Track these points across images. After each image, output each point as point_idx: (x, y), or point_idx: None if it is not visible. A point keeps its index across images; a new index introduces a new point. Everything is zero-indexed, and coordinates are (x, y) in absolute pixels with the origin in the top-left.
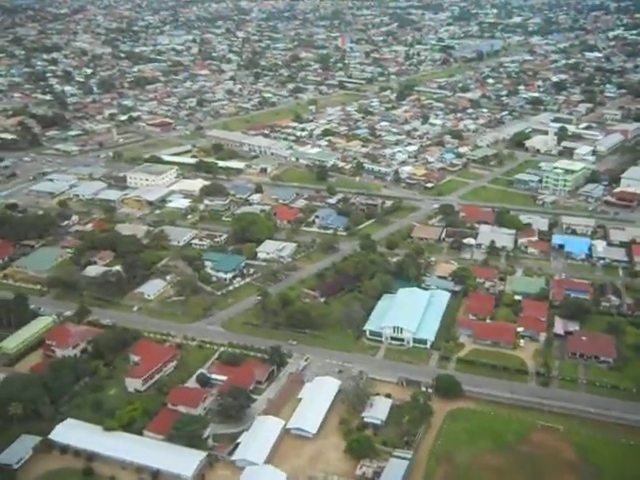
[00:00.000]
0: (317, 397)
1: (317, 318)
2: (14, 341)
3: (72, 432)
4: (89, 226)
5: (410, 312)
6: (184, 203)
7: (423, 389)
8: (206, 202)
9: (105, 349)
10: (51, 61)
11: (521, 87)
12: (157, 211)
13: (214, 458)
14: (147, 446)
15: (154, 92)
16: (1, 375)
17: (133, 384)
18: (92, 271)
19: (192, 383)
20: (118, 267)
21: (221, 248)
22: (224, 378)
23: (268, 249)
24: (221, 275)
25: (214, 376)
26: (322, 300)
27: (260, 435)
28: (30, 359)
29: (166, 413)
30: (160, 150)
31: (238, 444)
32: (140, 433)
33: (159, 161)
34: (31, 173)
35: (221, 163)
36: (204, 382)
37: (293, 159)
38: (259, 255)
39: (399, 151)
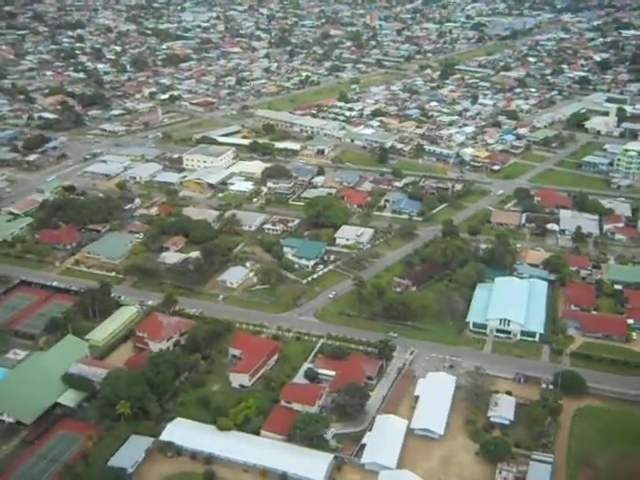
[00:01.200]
0: (435, 395)
1: (417, 309)
2: (101, 333)
3: (184, 432)
4: (154, 210)
5: (514, 303)
6: (247, 186)
7: (543, 386)
8: (269, 185)
9: (201, 342)
10: (77, 38)
11: (564, 66)
12: (220, 194)
13: (340, 460)
14: (269, 447)
15: (188, 70)
16: (101, 371)
17: (238, 379)
18: (169, 258)
19: (300, 378)
20: (196, 253)
21: (296, 233)
22: (332, 373)
23: (346, 235)
24: (303, 262)
25: (322, 371)
26: (413, 289)
27: (385, 436)
28: (120, 352)
29: (281, 411)
30: (207, 130)
31: (363, 446)
32: (256, 433)
33: (211, 142)
34: (81, 154)
35: (277, 144)
36: (312, 377)
37: (347, 140)
38: (337, 241)
39: (456, 132)
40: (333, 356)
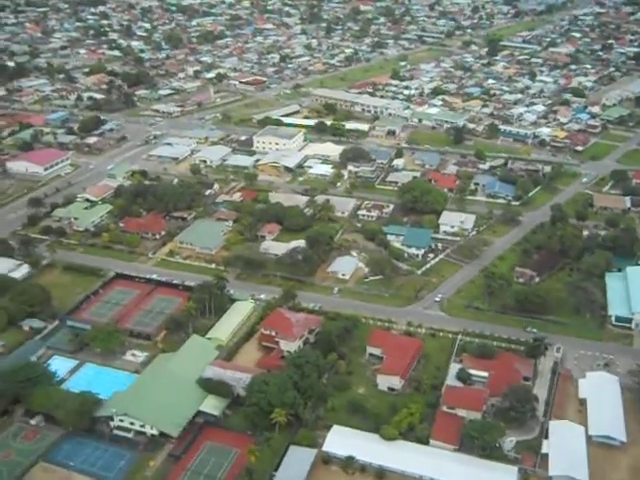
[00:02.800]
0: (603, 397)
1: (553, 301)
2: (223, 331)
3: (347, 442)
4: (236, 195)
5: None
6: (326, 169)
7: None
8: (350, 168)
9: (335, 340)
10: (102, 15)
11: (611, 41)
12: (300, 178)
13: (524, 473)
14: (442, 458)
15: (225, 47)
16: (239, 374)
17: (387, 381)
18: (273, 248)
19: (452, 380)
20: (297, 242)
21: (396, 220)
22: (485, 374)
23: (450, 221)
24: (412, 251)
25: (473, 372)
26: (537, 280)
27: (567, 445)
28: (246, 352)
29: (445, 418)
30: (264, 110)
31: (543, 456)
32: (421, 442)
33: (274, 123)
34: (139, 136)
35: (346, 125)
36: (465, 379)
37: (414, 120)
38: (441, 228)
39: (527, 111)
40: (480, 355)
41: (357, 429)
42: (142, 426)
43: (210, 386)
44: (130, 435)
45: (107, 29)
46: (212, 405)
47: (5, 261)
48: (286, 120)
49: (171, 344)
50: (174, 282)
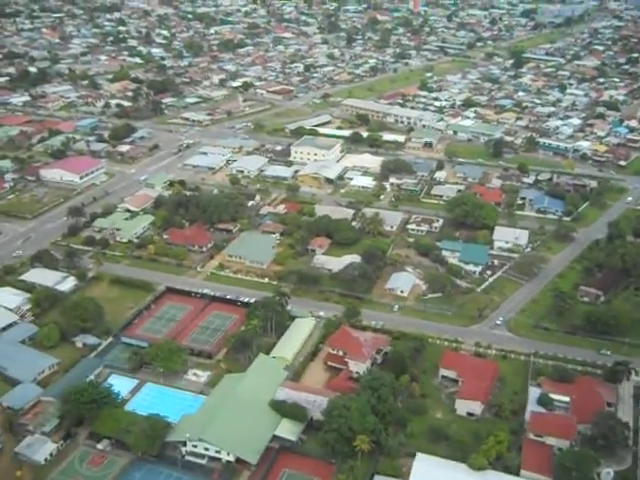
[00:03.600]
0: None
1: (627, 322)
2: (287, 350)
3: (435, 472)
4: (281, 207)
5: None
6: (368, 181)
7: None
8: (392, 180)
9: (406, 360)
10: (118, 21)
11: (636, 55)
12: (341, 190)
13: None
14: None
15: (247, 56)
16: (313, 397)
17: (467, 406)
18: (328, 263)
19: (533, 405)
20: (350, 258)
21: (447, 235)
22: (567, 399)
23: (505, 237)
24: (470, 268)
25: (555, 396)
26: (603, 299)
27: None
28: (313, 372)
29: (533, 446)
30: (294, 120)
31: None
32: (510, 472)
33: (307, 133)
34: (171, 145)
35: (384, 136)
36: (546, 404)
37: (450, 132)
38: (496, 244)
39: (564, 124)
40: (559, 379)
41: (440, 457)
42: (218, 452)
43: (284, 409)
44: (203, 461)
45: (125, 36)
46: (288, 429)
47: (50, 273)
48: (321, 130)
49: (234, 363)
50: (228, 297)
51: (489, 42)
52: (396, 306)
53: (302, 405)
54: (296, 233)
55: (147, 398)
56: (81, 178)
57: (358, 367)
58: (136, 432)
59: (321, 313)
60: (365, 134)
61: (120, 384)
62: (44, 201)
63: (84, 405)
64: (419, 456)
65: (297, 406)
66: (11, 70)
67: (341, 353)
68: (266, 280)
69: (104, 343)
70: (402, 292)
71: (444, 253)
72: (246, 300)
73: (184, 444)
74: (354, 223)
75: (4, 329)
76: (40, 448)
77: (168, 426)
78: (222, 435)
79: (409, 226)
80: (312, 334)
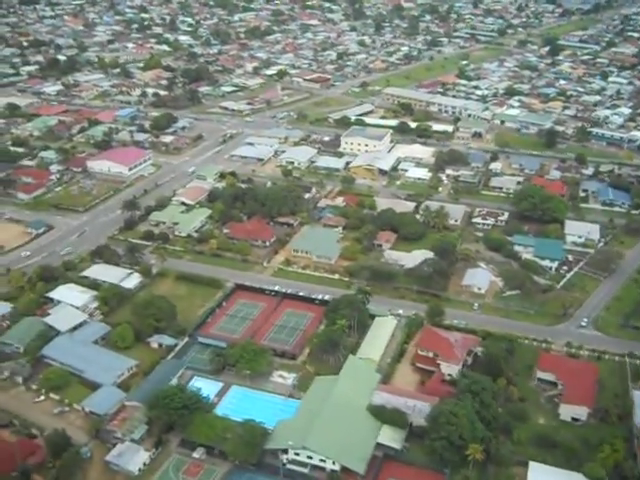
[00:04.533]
0: None
1: None
2: (374, 351)
3: None
4: (339, 200)
5: None
6: (422, 173)
7: None
8: (448, 172)
9: (501, 362)
10: (140, 8)
11: None
12: (397, 182)
13: None
14: None
15: (276, 43)
16: (413, 401)
17: (572, 411)
18: (399, 258)
19: None
20: (424, 253)
21: (516, 229)
22: None
23: (577, 231)
24: (546, 264)
25: None
26: None
27: None
28: (402, 373)
29: None
30: (334, 109)
31: None
32: None
33: (352, 123)
34: (214, 135)
35: (433, 126)
36: None
37: (497, 121)
38: (568, 238)
39: (614, 113)
40: None
41: (552, 466)
42: (322, 460)
43: (384, 415)
44: (306, 470)
45: (150, 23)
46: (390, 437)
47: (113, 269)
48: (367, 120)
49: (320, 365)
50: (300, 294)
51: (519, 29)
52: (476, 304)
53: (402, 410)
54: (364, 227)
55: (234, 402)
56: (130, 170)
57: (450, 369)
58: (233, 439)
59: (400, 311)
60: (413, 124)
61: (204, 387)
62: (93, 193)
63: (175, 411)
64: (533, 465)
65: (397, 411)
66: (39, 58)
67: (431, 354)
68: (336, 276)
69: (180, 343)
70: (479, 289)
71: (516, 248)
72: (319, 297)
73: (285, 452)
74: (417, 216)
75: (74, 329)
76: (133, 457)
77: (266, 432)
78: (326, 442)
79: (474, 220)
80: (394, 334)
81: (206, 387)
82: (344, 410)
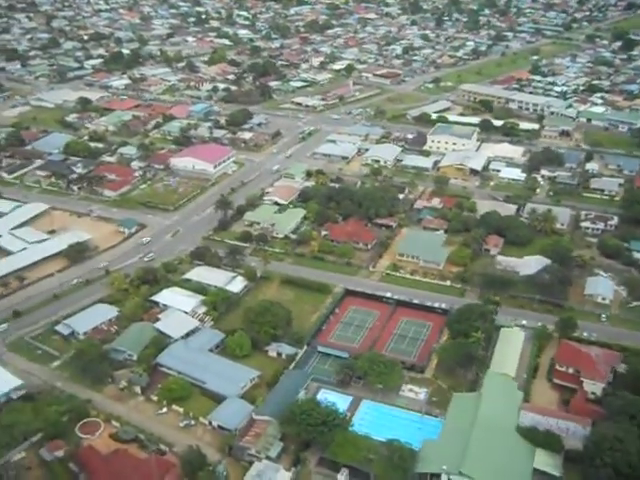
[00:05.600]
0: None
1: None
2: (507, 365)
3: None
4: (435, 201)
5: None
6: (517, 173)
7: None
8: (544, 172)
9: None
10: (193, 1)
11: None
12: (491, 182)
13: None
14: None
15: (337, 37)
16: (565, 423)
17: None
18: (516, 265)
19: None
20: (538, 259)
21: (631, 234)
22: None
23: None
24: None
25: None
26: None
27: None
28: (539, 390)
29: None
30: (410, 106)
31: None
32: None
33: (440, 120)
34: (292, 131)
35: (521, 125)
36: None
37: (582, 119)
38: None
39: None
40: None
41: None
42: None
43: (536, 437)
44: None
45: (206, 16)
46: (547, 462)
47: (216, 272)
48: (450, 118)
49: (451, 379)
50: (415, 302)
51: (584, 23)
52: (603, 315)
53: (555, 432)
54: (473, 231)
55: (369, 418)
56: (214, 167)
57: (595, 387)
58: (379, 461)
59: (524, 322)
60: (496, 122)
61: (334, 401)
62: (180, 191)
63: (313, 427)
64: None
65: (550, 433)
66: (101, 52)
67: (571, 371)
68: (448, 283)
69: (300, 353)
70: (604, 299)
71: (636, 255)
72: (437, 306)
73: (437, 476)
74: (522, 220)
75: (187, 335)
76: (274, 477)
77: (414, 454)
78: (482, 468)
79: (583, 224)
80: (524, 347)
81: (335, 401)
82: (494, 432)
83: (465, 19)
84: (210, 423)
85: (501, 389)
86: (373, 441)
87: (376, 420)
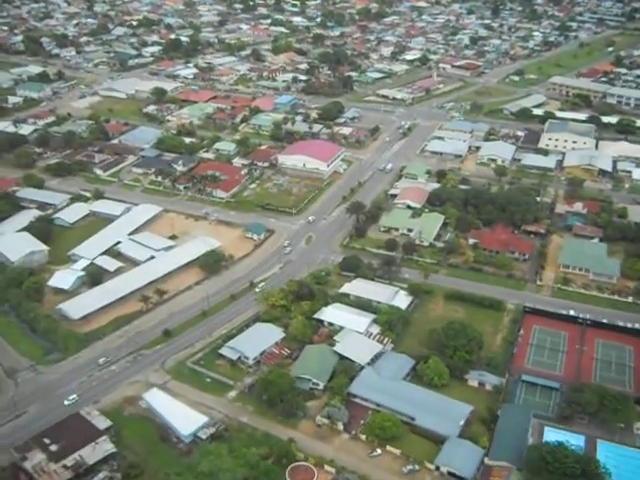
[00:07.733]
0: None
1: None
2: None
3: None
4: (578, 205)
5: None
6: None
7: None
8: None
9: None
10: None
11: None
12: (625, 185)
13: None
14: None
15: (395, 26)
16: None
17: None
18: None
19: None
20: None
21: None
22: None
23: None
24: None
25: None
26: None
27: None
28: None
29: None
30: (501, 100)
31: None
32: None
33: (545, 117)
34: (388, 127)
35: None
36: None
37: None
38: None
39: None
40: None
41: None
42: None
43: None
44: None
45: (254, 3)
46: None
47: (373, 285)
48: (558, 114)
49: None
50: (605, 321)
51: None
52: None
53: None
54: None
55: (611, 462)
56: (328, 166)
57: None
58: None
59: None
60: (606, 118)
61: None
62: (295, 192)
63: (570, 479)
64: None
65: None
66: (154, 38)
67: None
68: (630, 299)
69: (502, 382)
70: None
71: None
72: (629, 326)
73: None
74: None
75: (371, 361)
76: None
77: None
78: None
79: None
80: None
81: (566, 441)
82: None
83: (519, 8)
84: (437, 468)
85: None
86: None
87: (622, 466)
